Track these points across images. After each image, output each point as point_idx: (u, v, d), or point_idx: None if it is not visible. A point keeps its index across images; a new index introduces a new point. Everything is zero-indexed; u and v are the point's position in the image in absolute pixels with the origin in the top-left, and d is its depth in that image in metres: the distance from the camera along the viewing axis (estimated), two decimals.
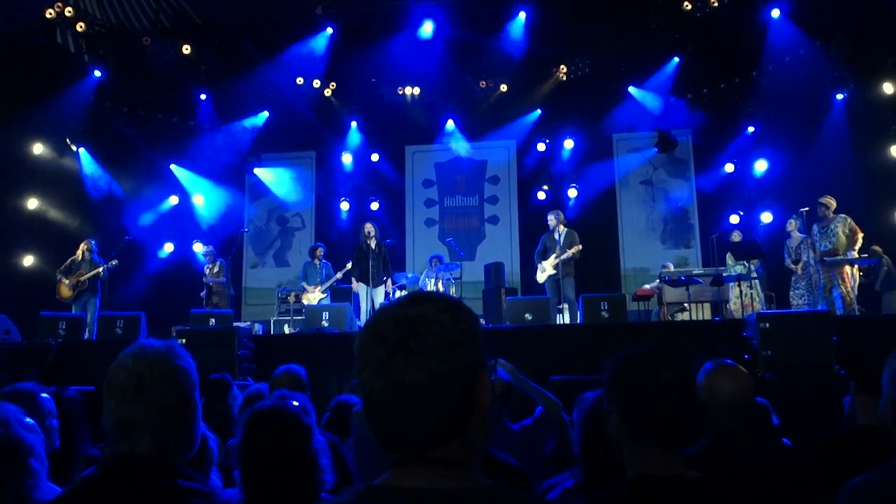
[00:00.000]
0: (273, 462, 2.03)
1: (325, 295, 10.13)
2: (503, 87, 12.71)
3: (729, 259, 9.93)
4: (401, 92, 12.68)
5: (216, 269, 10.59)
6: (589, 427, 2.16)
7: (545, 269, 9.47)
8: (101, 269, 9.70)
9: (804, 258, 9.10)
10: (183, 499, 1.46)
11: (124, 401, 1.50)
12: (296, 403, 2.16)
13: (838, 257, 8.48)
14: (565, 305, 9.16)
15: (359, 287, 9.68)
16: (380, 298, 9.44)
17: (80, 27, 11.23)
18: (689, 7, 10.98)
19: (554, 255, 9.37)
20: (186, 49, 11.53)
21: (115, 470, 1.50)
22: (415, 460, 0.99)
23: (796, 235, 9.33)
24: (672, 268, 11.01)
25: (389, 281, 9.82)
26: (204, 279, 10.63)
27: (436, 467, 0.98)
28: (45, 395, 2.47)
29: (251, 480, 2.04)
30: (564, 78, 12.28)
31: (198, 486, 1.51)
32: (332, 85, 12.77)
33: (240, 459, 2.07)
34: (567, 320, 9.01)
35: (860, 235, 8.56)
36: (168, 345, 1.59)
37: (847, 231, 8.55)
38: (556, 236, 9.52)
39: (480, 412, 1.01)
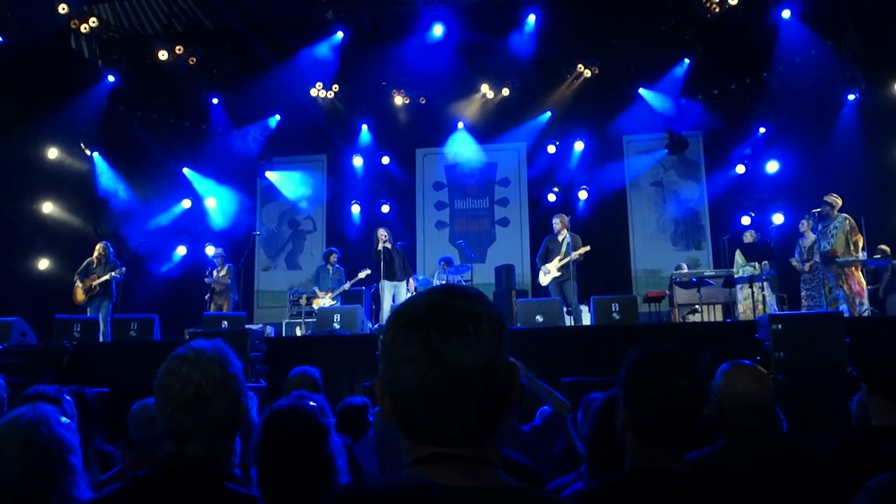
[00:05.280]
0: (290, 462, 2.04)
1: (335, 302, 10.17)
2: (510, 90, 12.70)
3: (738, 258, 9.79)
4: (395, 96, 12.73)
5: (223, 272, 10.61)
6: (597, 426, 2.17)
7: (549, 272, 9.42)
8: (109, 276, 9.64)
9: (816, 259, 8.98)
10: (229, 502, 1.48)
11: (179, 410, 1.51)
12: (313, 404, 2.18)
13: (849, 258, 8.35)
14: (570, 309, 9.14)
15: (383, 284, 9.82)
16: (402, 296, 9.57)
17: (93, 22, 11.26)
18: (700, 8, 10.94)
19: (558, 258, 9.35)
20: (192, 60, 11.69)
21: (168, 471, 1.53)
22: (440, 457, 0.98)
23: (810, 236, 9.16)
24: (686, 268, 10.95)
25: (411, 280, 10.00)
26: (206, 279, 10.60)
27: (462, 464, 0.97)
28: (67, 397, 2.51)
29: (268, 480, 2.06)
30: (589, 75, 12.24)
31: (244, 490, 1.54)
32: (342, 88, 12.82)
33: (257, 459, 2.09)
34: (571, 324, 8.98)
35: (859, 237, 8.39)
36: (219, 350, 1.58)
37: (845, 233, 8.40)
38: (561, 240, 9.47)
39: (511, 404, 1.02)
